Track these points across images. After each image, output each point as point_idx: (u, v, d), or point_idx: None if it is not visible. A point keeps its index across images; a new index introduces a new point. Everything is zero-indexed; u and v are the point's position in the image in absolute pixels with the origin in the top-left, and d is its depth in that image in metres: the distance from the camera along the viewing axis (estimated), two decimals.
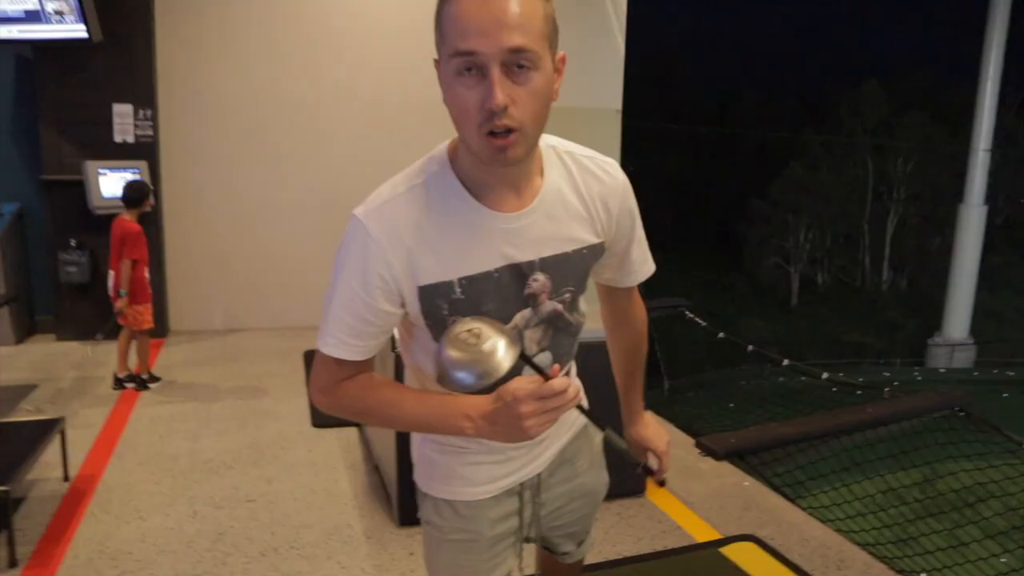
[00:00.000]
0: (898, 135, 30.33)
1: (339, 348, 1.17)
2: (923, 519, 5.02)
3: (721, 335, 6.79)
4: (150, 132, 5.85)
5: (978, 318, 23.22)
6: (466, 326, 1.05)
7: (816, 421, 4.49)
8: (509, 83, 1.01)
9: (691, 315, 6.84)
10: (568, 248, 1.21)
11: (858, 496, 4.52)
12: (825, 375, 5.75)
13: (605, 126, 6.79)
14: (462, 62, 1.01)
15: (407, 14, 6.30)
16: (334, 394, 1.22)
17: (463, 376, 1.03)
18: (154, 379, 4.83)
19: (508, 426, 1.07)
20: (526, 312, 1.21)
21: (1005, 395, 15.88)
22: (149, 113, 5.83)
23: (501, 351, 1.03)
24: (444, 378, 1.04)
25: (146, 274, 4.71)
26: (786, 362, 6.14)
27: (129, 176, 5.59)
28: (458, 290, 1.14)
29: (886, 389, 5.35)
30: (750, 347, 6.57)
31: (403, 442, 2.65)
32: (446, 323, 1.14)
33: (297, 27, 6.20)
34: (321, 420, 4.28)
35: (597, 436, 1.49)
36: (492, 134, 1.02)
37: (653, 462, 1.47)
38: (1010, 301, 29.68)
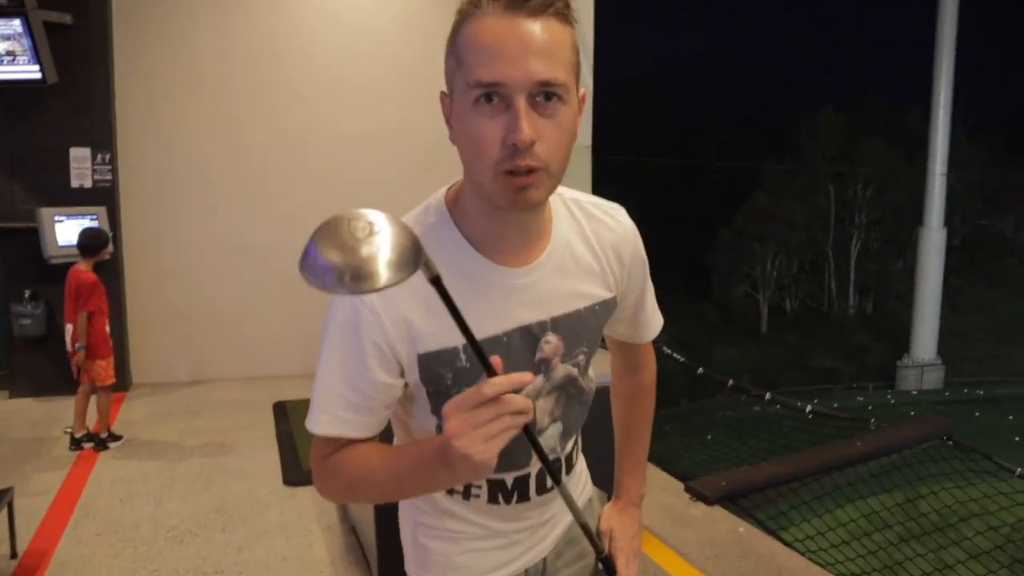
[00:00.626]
0: (857, 162, 31.04)
1: (333, 425, 1.02)
2: (907, 544, 4.93)
3: (701, 370, 6.68)
4: (109, 177, 5.64)
5: (944, 338, 23.61)
6: (367, 218, 0.74)
7: (806, 458, 4.38)
8: (535, 116, 0.89)
9: (669, 351, 6.75)
10: (580, 305, 1.09)
11: (856, 535, 4.40)
12: (809, 408, 5.65)
13: (575, 163, 6.65)
14: (484, 92, 0.89)
15: (368, 54, 6.25)
16: (321, 473, 1.07)
17: (322, 262, 0.72)
18: (115, 437, 4.57)
19: (447, 442, 0.85)
20: (537, 380, 1.08)
21: (977, 414, 16.07)
22: (108, 157, 5.62)
23: (382, 261, 0.72)
24: (302, 261, 0.74)
25: (106, 327, 4.49)
26: (768, 395, 6.03)
27: (87, 223, 5.36)
28: (463, 357, 1.01)
29: (872, 420, 5.27)
30: (731, 382, 6.47)
31: None
32: (450, 394, 0.99)
33: (259, 67, 6.07)
34: (293, 477, 4.05)
35: (601, 509, 1.35)
36: (511, 172, 0.90)
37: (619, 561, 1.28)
38: (973, 320, 30.27)
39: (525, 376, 0.87)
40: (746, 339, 29.94)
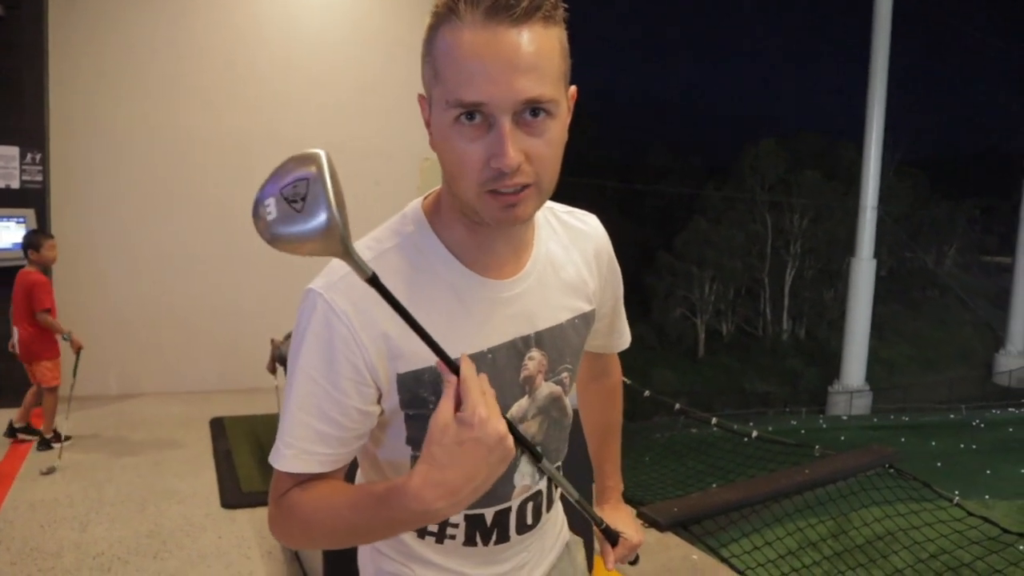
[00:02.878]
0: (794, 192, 32.07)
1: (299, 460, 0.91)
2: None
3: (647, 393, 6.69)
4: (39, 178, 5.33)
5: (872, 366, 24.46)
6: (304, 169, 0.84)
7: (757, 485, 4.39)
8: (522, 135, 0.82)
9: None
10: (563, 318, 1.03)
11: (806, 564, 4.43)
12: (755, 435, 5.70)
13: None
14: (464, 111, 0.81)
15: (320, 62, 6.12)
16: (277, 512, 0.94)
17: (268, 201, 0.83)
18: (58, 438, 4.41)
19: (424, 470, 0.80)
20: (523, 401, 1.00)
21: (903, 439, 16.63)
22: (38, 157, 5.31)
23: (319, 221, 0.77)
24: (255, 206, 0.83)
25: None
26: (714, 421, 6.06)
27: (12, 226, 5.09)
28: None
29: (816, 447, 5.34)
30: (677, 405, 6.48)
31: None
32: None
33: (206, 68, 5.86)
34: (231, 499, 3.84)
35: (580, 554, 1.27)
36: (495, 192, 0.83)
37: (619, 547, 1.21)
38: (898, 349, 31.49)
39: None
40: (683, 362, 30.45)
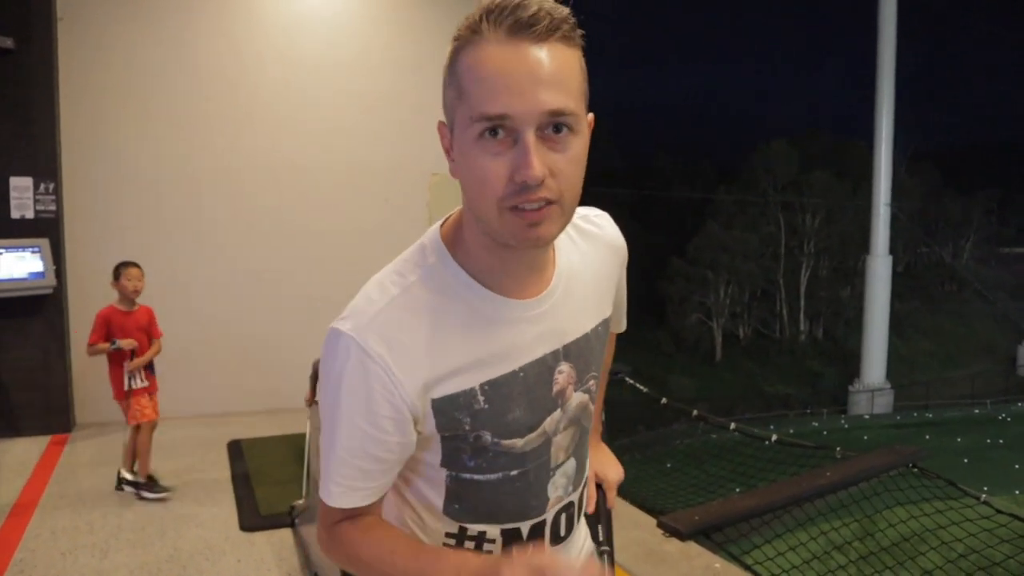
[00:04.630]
0: (805, 192, 31.87)
1: (346, 496, 0.97)
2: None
3: (664, 401, 6.64)
4: (53, 207, 5.38)
5: (892, 363, 24.19)
6: None
7: (778, 490, 4.33)
8: (545, 150, 0.82)
9: (631, 380, 6.70)
10: (587, 328, 1.06)
11: (830, 569, 4.36)
12: (775, 438, 5.63)
13: None
14: (489, 126, 0.82)
15: (325, 86, 6.16)
16: (330, 539, 1.01)
17: None
18: (148, 486, 4.17)
19: None
20: (556, 415, 1.02)
21: (927, 437, 16.42)
22: (52, 187, 5.37)
23: None
24: None
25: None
26: (733, 426, 6.00)
27: (28, 256, 5.12)
28: (481, 399, 0.94)
29: (837, 448, 5.27)
30: (695, 412, 6.42)
31: None
32: (468, 439, 0.95)
33: (213, 97, 5.90)
34: (250, 523, 3.84)
35: (603, 566, 1.28)
36: (516, 208, 0.83)
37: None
38: (918, 345, 31.13)
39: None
40: (701, 367, 30.24)
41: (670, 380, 26.63)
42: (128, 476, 4.21)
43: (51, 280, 5.20)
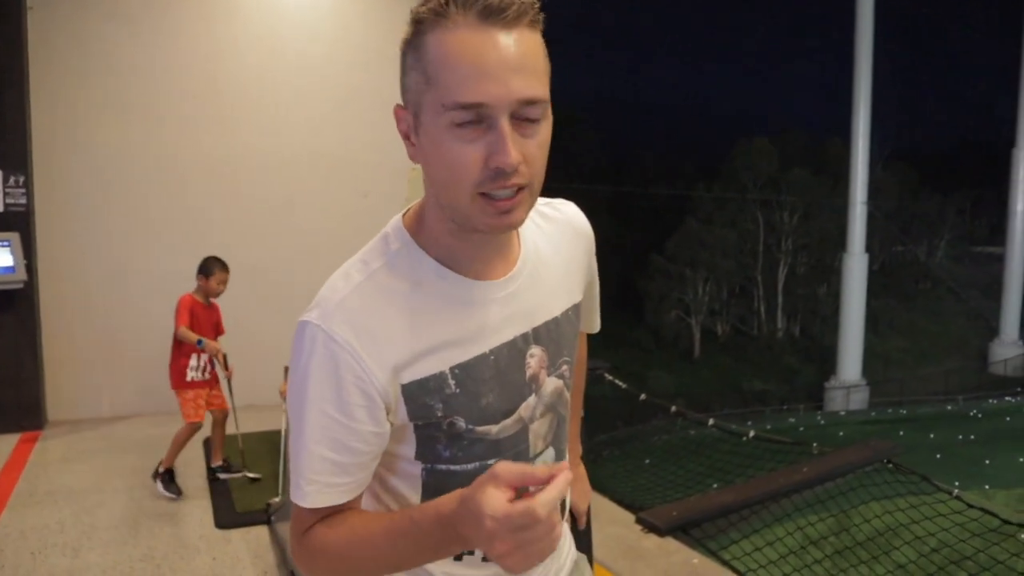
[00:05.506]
0: (783, 190, 32.15)
1: (322, 495, 0.91)
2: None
3: (643, 397, 6.66)
4: (23, 201, 5.28)
5: (867, 360, 24.49)
6: None
7: (756, 485, 4.36)
8: (517, 136, 0.82)
9: (611, 377, 6.72)
10: (557, 311, 1.04)
11: (807, 563, 4.40)
12: (752, 434, 5.67)
13: None
14: (464, 114, 0.81)
15: (304, 80, 6.10)
16: (304, 549, 0.95)
17: None
18: (225, 470, 4.34)
19: (479, 541, 0.79)
20: (531, 400, 1.00)
21: (902, 432, 16.61)
22: (22, 179, 5.26)
23: None
24: None
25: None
26: (711, 422, 6.05)
27: None
28: (452, 383, 0.92)
29: (814, 444, 5.32)
30: (673, 408, 6.46)
31: None
32: (441, 427, 0.93)
33: (190, 90, 5.81)
34: (226, 520, 3.80)
35: (587, 572, 1.26)
36: (487, 195, 0.83)
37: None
38: (893, 342, 31.55)
39: (566, 472, 0.78)
40: (680, 363, 30.44)
41: (649, 376, 26.78)
42: (218, 464, 4.34)
43: (22, 274, 5.10)
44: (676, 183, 35.46)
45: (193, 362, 4.22)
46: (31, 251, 5.31)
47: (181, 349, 4.20)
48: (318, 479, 0.91)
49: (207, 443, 4.94)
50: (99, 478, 4.41)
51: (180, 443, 4.17)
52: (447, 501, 0.83)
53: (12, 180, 5.23)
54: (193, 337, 4.09)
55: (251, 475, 4.36)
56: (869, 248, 24.02)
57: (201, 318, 4.24)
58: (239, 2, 5.94)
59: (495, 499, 0.75)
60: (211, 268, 4.29)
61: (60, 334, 5.55)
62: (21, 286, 5.15)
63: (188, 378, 4.21)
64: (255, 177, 6.02)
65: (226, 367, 4.34)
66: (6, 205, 5.22)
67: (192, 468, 4.57)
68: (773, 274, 32.90)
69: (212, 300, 4.37)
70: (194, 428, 4.19)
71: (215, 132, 5.91)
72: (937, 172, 38.06)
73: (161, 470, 4.14)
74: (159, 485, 4.10)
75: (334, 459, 0.90)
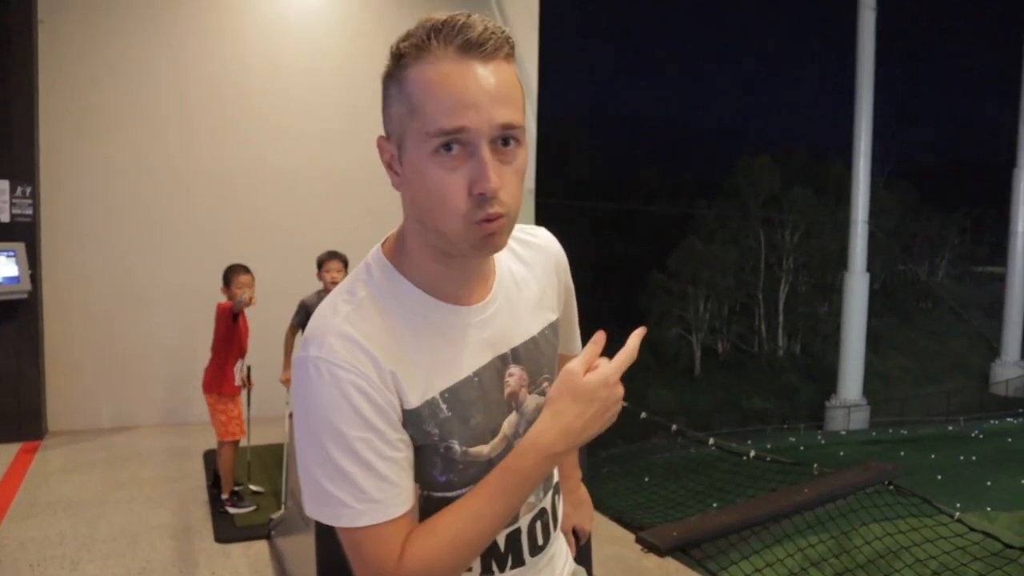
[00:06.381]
0: (785, 208, 32.18)
1: (379, 509, 0.89)
2: None
3: (644, 414, 6.66)
4: (29, 211, 5.31)
5: (868, 379, 24.43)
6: None
7: (756, 506, 4.35)
8: (496, 163, 0.86)
9: None
10: (534, 331, 1.09)
11: None
12: (753, 453, 5.67)
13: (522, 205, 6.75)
14: (445, 140, 0.85)
15: (309, 95, 6.15)
16: (405, 568, 0.90)
17: None
18: (232, 501, 4.08)
19: (579, 415, 0.94)
20: (512, 417, 1.03)
21: (902, 453, 16.56)
22: (29, 190, 5.30)
23: None
24: None
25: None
26: (712, 441, 6.04)
27: (2, 260, 5.05)
28: (444, 407, 0.95)
29: (815, 465, 5.31)
30: (674, 426, 6.46)
31: (324, 553, 2.17)
32: (438, 451, 0.95)
33: (192, 98, 5.85)
34: (225, 534, 3.79)
35: None
36: (481, 221, 0.88)
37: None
38: (894, 361, 31.47)
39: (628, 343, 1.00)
40: (681, 381, 30.35)
41: (650, 393, 26.73)
42: (227, 496, 4.11)
43: (26, 285, 5.13)
44: (678, 200, 35.55)
45: (236, 368, 4.21)
46: (36, 261, 5.33)
47: (225, 357, 4.18)
48: (364, 495, 0.89)
49: (208, 456, 4.95)
50: (99, 489, 4.40)
51: (230, 465, 4.13)
52: (542, 421, 0.94)
53: (19, 191, 5.26)
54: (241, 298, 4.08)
55: (254, 488, 4.35)
56: (870, 267, 24.02)
57: (240, 325, 4.26)
58: (247, 18, 6.00)
59: (581, 377, 0.94)
60: (231, 276, 4.26)
61: (63, 344, 5.56)
62: (25, 296, 5.18)
63: (237, 382, 4.20)
64: (260, 191, 6.06)
65: (249, 381, 4.36)
66: (12, 215, 5.24)
67: (193, 481, 4.57)
68: (774, 292, 32.86)
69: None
70: (236, 444, 4.14)
71: (220, 145, 5.95)
72: (938, 191, 38.16)
73: (224, 497, 4.10)
74: (233, 509, 4.05)
75: (377, 471, 0.89)
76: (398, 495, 0.91)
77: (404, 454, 0.93)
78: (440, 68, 0.85)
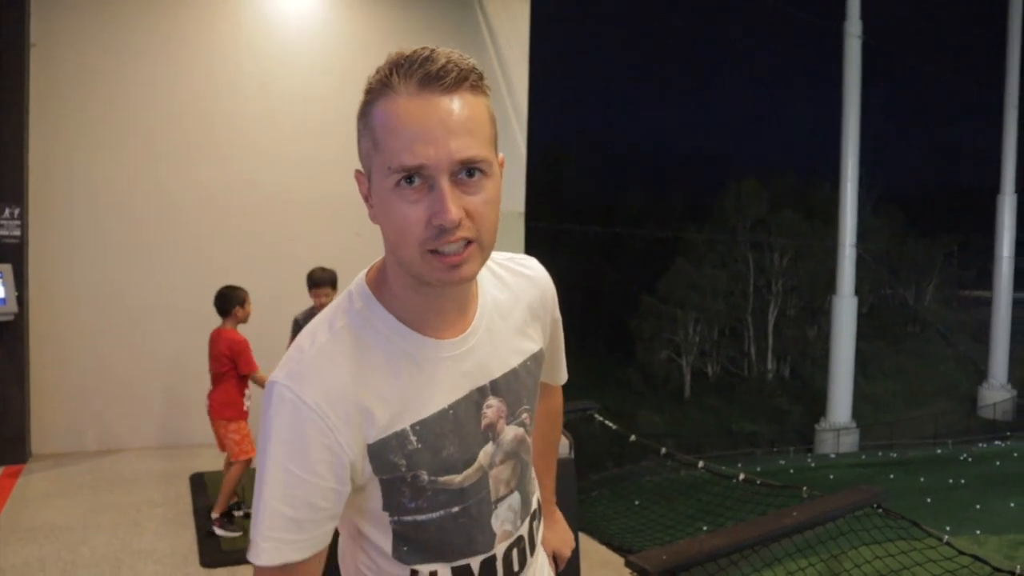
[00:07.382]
0: (774, 232, 32.41)
1: (279, 551, 0.91)
2: None
3: (633, 437, 6.65)
4: (17, 233, 5.29)
5: (857, 402, 24.47)
6: None
7: (745, 529, 4.32)
8: (459, 193, 0.87)
9: (600, 417, 6.71)
10: (515, 363, 1.09)
11: None
12: (742, 477, 5.66)
13: (509, 229, 6.78)
14: (405, 175, 0.86)
15: (298, 103, 6.18)
16: None
17: None
18: (223, 520, 4.07)
19: None
20: (488, 448, 1.03)
21: (892, 476, 16.56)
22: (17, 212, 5.28)
23: None
24: None
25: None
26: (701, 464, 6.02)
27: None
28: (413, 439, 0.96)
29: (804, 488, 5.30)
30: (664, 449, 6.45)
31: None
32: (406, 480, 0.95)
33: (183, 120, 5.88)
34: (211, 559, 3.75)
35: None
36: (436, 252, 0.87)
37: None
38: (883, 385, 31.57)
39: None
40: (670, 404, 30.32)
41: (639, 416, 26.68)
42: (217, 516, 4.07)
43: (12, 307, 5.10)
44: (667, 223, 35.74)
45: (246, 393, 4.23)
46: (23, 283, 5.30)
47: (236, 383, 4.18)
48: (275, 535, 0.90)
49: (194, 479, 4.91)
50: (83, 514, 4.34)
51: (235, 484, 4.11)
52: None
53: (7, 212, 5.24)
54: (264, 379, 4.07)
55: (245, 511, 4.29)
56: (858, 291, 24.15)
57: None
58: (239, 42, 6.05)
59: None
60: (245, 296, 4.31)
61: (48, 366, 5.52)
62: (11, 318, 5.14)
63: (245, 407, 4.21)
64: (250, 213, 6.06)
65: None
66: (0, 237, 5.23)
67: (180, 505, 4.52)
68: (763, 315, 32.99)
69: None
70: (249, 463, 4.11)
71: (210, 167, 5.96)
72: (925, 216, 38.52)
73: (215, 516, 4.07)
74: (220, 531, 4.02)
75: (289, 515, 0.90)
76: (307, 543, 0.92)
77: (330, 507, 0.93)
78: (400, 103, 0.86)
